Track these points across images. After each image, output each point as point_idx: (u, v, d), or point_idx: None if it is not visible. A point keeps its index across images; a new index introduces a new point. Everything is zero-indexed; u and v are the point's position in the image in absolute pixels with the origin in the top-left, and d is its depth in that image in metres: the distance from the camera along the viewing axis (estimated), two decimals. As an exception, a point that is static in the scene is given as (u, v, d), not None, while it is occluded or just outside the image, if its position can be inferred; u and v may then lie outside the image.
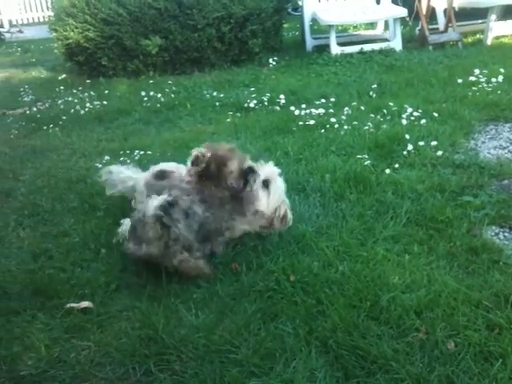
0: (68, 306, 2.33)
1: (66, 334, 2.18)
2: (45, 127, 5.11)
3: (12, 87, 7.12)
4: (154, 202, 2.36)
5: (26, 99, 6.36)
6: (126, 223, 2.73)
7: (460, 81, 5.08)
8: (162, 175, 2.91)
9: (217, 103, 5.35)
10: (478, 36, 7.40)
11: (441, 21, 7.44)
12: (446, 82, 5.17)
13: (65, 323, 2.24)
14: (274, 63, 6.92)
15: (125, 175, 3.08)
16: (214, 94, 5.69)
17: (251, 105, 5.12)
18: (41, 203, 3.38)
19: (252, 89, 5.73)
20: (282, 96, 5.18)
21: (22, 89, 6.83)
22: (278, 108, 4.99)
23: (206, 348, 2.04)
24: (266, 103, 5.15)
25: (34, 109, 5.84)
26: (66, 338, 2.16)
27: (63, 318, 2.27)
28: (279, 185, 2.79)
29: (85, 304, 2.32)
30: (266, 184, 2.74)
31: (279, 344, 2.02)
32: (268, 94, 5.34)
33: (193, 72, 6.87)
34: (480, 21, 7.48)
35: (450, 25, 7.12)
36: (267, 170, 2.79)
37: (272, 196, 2.73)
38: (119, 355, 2.04)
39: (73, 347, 2.11)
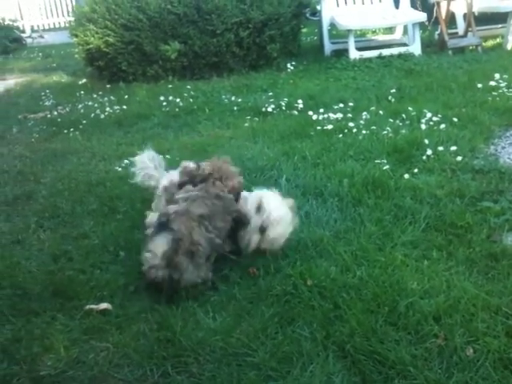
0: (87, 307, 2.35)
1: (85, 335, 2.20)
2: (65, 131, 5.18)
3: (33, 91, 7.22)
4: (159, 248, 2.34)
5: (46, 103, 6.44)
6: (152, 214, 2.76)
7: (480, 85, 5.04)
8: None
9: (235, 108, 5.37)
10: (497, 41, 7.33)
11: (460, 25, 7.38)
12: (465, 87, 5.13)
13: (84, 324, 2.26)
14: (292, 68, 6.92)
15: (149, 173, 3.01)
16: (233, 98, 5.72)
17: (269, 109, 5.13)
18: (61, 206, 3.42)
19: (270, 93, 5.73)
20: (299, 101, 5.18)
21: (43, 93, 6.92)
22: (295, 113, 5.00)
23: (223, 351, 2.04)
24: (283, 108, 5.16)
25: (55, 113, 5.91)
26: (85, 339, 2.18)
27: (82, 320, 2.29)
28: (278, 230, 2.59)
29: (104, 305, 2.34)
30: (261, 230, 2.58)
31: (296, 348, 2.02)
32: (286, 99, 5.34)
33: (211, 77, 6.90)
34: (500, 25, 7.41)
35: (469, 29, 7.07)
36: (274, 212, 2.60)
37: (265, 240, 2.60)
38: (137, 357, 2.06)
39: (91, 348, 2.13)
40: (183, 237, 2.34)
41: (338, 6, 7.66)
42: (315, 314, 2.18)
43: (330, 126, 4.38)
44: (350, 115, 4.67)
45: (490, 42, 7.34)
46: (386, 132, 4.12)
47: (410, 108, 4.59)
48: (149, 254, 2.38)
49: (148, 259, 2.37)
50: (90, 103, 6.14)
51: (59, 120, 5.58)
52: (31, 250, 2.93)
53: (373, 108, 4.78)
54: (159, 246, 2.35)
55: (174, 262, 2.31)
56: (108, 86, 6.95)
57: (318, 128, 4.40)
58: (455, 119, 4.23)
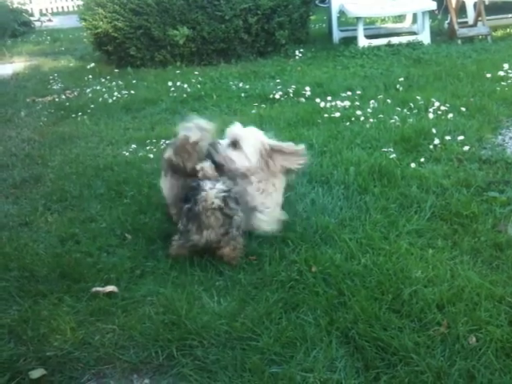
0: (94, 289, 2.37)
1: (92, 317, 2.23)
2: (73, 115, 5.19)
3: (41, 75, 7.21)
4: (214, 192, 2.42)
5: (55, 87, 6.44)
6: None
7: (489, 75, 5.01)
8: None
9: (242, 94, 5.36)
10: (508, 30, 7.27)
11: (470, 14, 7.32)
12: (474, 77, 5.10)
13: (90, 306, 2.29)
14: (301, 55, 6.90)
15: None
16: (240, 85, 5.71)
17: (276, 96, 5.12)
18: (69, 189, 3.44)
19: (278, 80, 5.73)
20: (307, 88, 5.17)
21: (51, 77, 6.91)
22: (303, 100, 4.99)
23: (227, 335, 2.06)
24: (291, 95, 5.15)
25: (63, 97, 5.92)
26: (92, 321, 2.21)
27: (89, 302, 2.32)
28: (252, 138, 2.75)
29: (110, 288, 2.37)
30: (234, 144, 2.70)
31: (300, 333, 2.04)
32: (293, 86, 5.34)
33: (219, 63, 6.89)
34: (510, 15, 7.34)
35: (479, 19, 7.00)
36: (233, 132, 2.78)
37: (247, 150, 2.68)
38: (143, 339, 2.08)
39: (97, 330, 2.15)
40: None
41: (347, -7, 7.60)
42: (319, 301, 2.20)
43: (337, 114, 4.38)
44: (357, 103, 4.66)
45: (500, 32, 7.27)
46: (393, 121, 4.11)
47: (417, 97, 4.57)
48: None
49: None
50: (98, 87, 6.15)
51: (67, 104, 5.59)
52: (39, 232, 2.95)
53: (380, 96, 4.76)
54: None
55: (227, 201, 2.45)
56: (116, 70, 6.94)
57: (326, 116, 4.40)
58: (463, 109, 4.22)
